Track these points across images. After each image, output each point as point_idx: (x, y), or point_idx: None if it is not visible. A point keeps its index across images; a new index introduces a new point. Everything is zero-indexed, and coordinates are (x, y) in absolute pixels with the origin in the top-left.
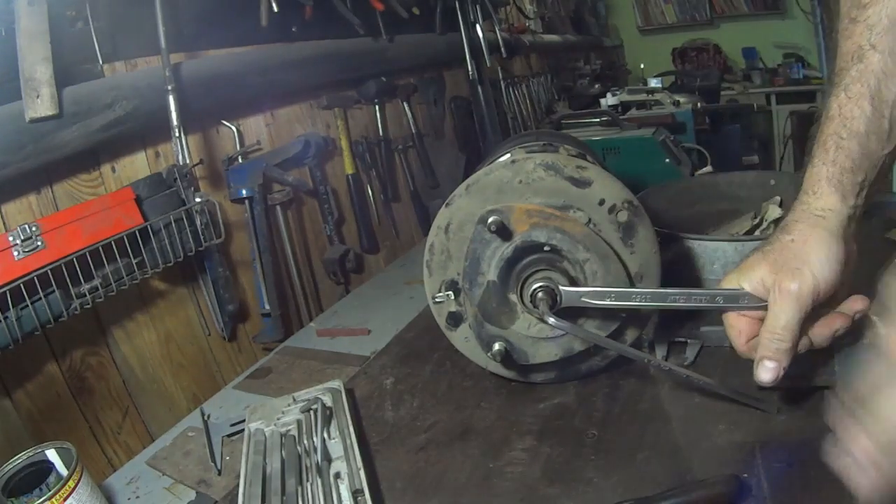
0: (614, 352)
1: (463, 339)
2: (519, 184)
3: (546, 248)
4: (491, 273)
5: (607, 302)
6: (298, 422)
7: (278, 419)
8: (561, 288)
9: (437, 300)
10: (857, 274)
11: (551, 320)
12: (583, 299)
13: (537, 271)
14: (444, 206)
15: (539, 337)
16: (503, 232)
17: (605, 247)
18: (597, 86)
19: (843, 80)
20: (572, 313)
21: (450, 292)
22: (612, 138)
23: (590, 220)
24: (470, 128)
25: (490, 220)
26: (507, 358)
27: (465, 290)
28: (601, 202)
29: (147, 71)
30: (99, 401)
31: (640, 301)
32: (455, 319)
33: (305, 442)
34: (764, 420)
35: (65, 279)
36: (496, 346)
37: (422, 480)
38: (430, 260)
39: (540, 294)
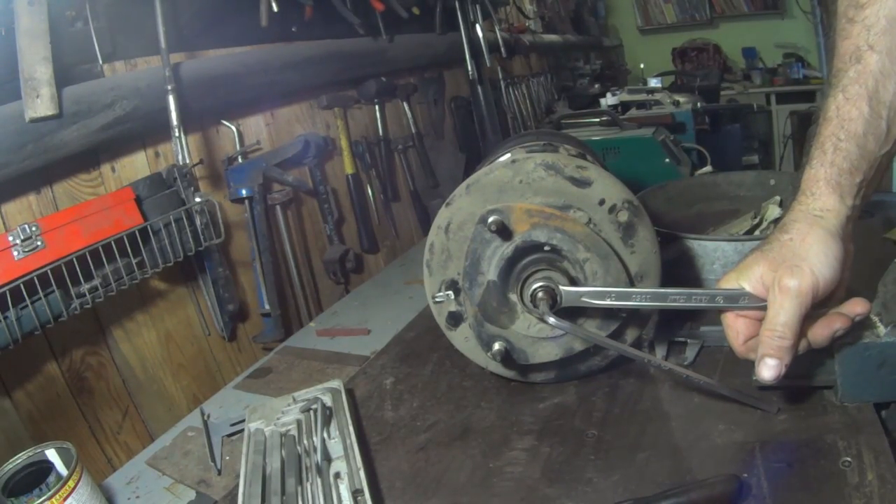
0: (614, 352)
1: (463, 338)
2: (519, 183)
3: (546, 248)
4: (491, 273)
5: (607, 302)
6: (298, 422)
7: (278, 419)
8: (561, 288)
9: (437, 300)
10: (857, 274)
11: (551, 320)
12: (583, 299)
13: (537, 271)
14: (444, 205)
15: (539, 337)
16: (503, 232)
17: (606, 247)
18: (596, 86)
19: (841, 81)
20: (572, 313)
21: (450, 292)
22: (611, 138)
23: (590, 219)
24: (470, 128)
25: (490, 219)
26: (507, 358)
27: (466, 289)
28: (601, 202)
29: (147, 71)
30: (99, 401)
31: (640, 301)
32: (455, 319)
33: (305, 442)
34: (764, 420)
35: (64, 279)
36: (496, 346)
37: (422, 480)
38: (430, 259)
39: (540, 294)
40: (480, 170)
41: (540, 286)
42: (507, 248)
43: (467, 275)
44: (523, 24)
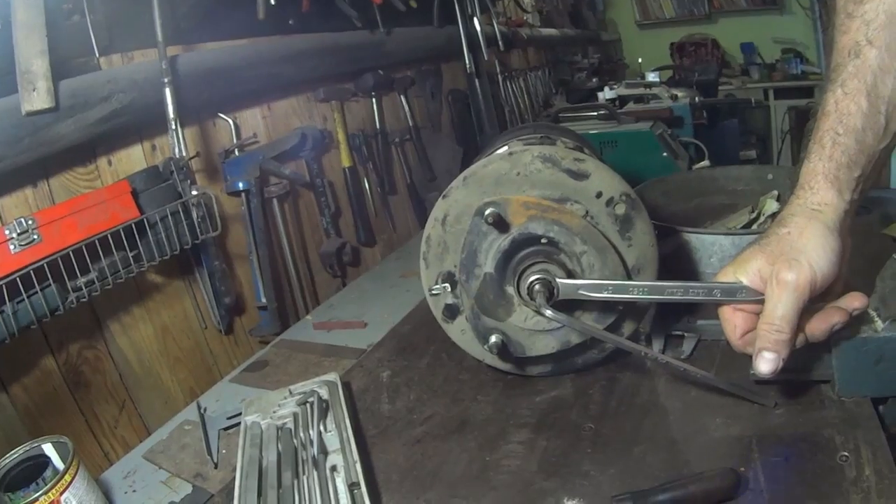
0: (611, 345)
1: (459, 331)
2: (517, 176)
3: (543, 241)
4: (488, 265)
5: (604, 295)
6: (295, 415)
7: (275, 412)
8: (558, 280)
9: (433, 292)
10: (855, 269)
11: (548, 313)
12: (580, 292)
13: (534, 263)
14: (441, 197)
15: (536, 329)
16: (500, 224)
17: (603, 239)
18: (594, 80)
19: (840, 75)
20: (569, 306)
21: (446, 284)
22: (609, 132)
23: (587, 212)
24: (467, 121)
25: (487, 212)
26: (503, 350)
27: (462, 282)
28: (598, 195)
29: (143, 64)
30: (95, 394)
31: (637, 294)
32: (452, 312)
33: (302, 435)
34: (761, 414)
35: (61, 272)
36: (493, 339)
37: (418, 473)
38: (426, 252)
39: (537, 286)
40: (478, 162)
41: (537, 279)
42: (503, 241)
43: (464, 267)
44: (521, 18)
